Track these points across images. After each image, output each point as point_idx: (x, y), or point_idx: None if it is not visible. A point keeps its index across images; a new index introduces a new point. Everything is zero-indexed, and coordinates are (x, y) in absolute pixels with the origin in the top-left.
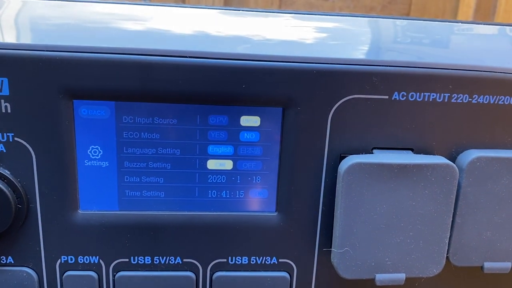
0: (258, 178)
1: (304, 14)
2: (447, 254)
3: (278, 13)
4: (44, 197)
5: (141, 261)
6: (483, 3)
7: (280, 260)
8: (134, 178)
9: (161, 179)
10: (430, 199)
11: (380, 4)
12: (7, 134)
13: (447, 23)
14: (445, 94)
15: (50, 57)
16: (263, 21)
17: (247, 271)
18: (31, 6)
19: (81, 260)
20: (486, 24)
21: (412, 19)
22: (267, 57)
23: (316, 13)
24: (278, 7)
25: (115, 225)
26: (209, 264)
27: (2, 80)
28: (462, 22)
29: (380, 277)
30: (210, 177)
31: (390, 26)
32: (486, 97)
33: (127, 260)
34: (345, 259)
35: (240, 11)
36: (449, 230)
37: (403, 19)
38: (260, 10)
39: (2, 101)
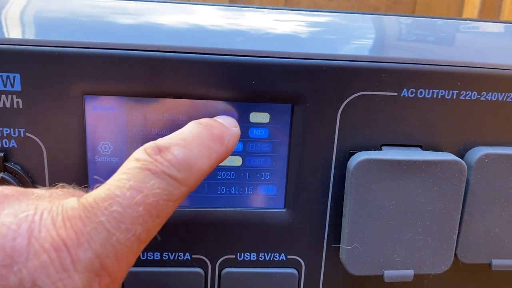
0: (267, 174)
1: (312, 11)
2: (455, 251)
3: (286, 10)
4: None
5: (150, 257)
6: (488, 3)
7: (288, 257)
8: None
9: None
10: (438, 196)
11: (385, 4)
12: (19, 129)
13: (454, 20)
14: (453, 91)
15: (62, 53)
16: (271, 18)
17: (256, 267)
18: (43, 3)
19: None
20: (492, 22)
21: (419, 17)
22: (276, 53)
23: (324, 10)
24: (283, 7)
25: None
26: (217, 260)
27: (14, 76)
28: (469, 20)
29: (389, 274)
30: (219, 173)
31: (398, 24)
32: (495, 94)
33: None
34: (353, 255)
35: (248, 8)
36: (457, 227)
37: (411, 16)
38: (268, 7)
39: (14, 96)
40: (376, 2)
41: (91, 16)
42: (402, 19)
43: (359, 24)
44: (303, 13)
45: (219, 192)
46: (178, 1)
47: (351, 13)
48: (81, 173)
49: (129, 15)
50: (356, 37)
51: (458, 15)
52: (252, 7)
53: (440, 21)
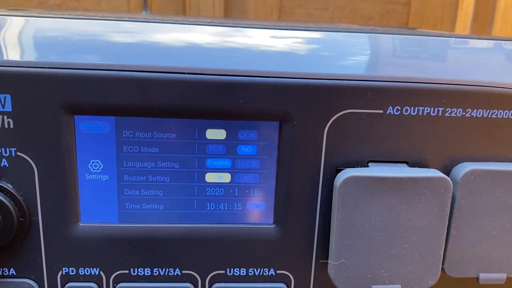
0: (256, 190)
1: (301, 28)
2: (442, 265)
3: (278, 29)
4: (45, 210)
5: (140, 273)
6: (481, 13)
7: (277, 272)
8: (134, 191)
9: (161, 192)
10: (425, 212)
11: (379, 14)
12: (10, 149)
13: (443, 38)
14: (439, 108)
15: (52, 74)
16: (260, 35)
17: (245, 282)
18: (33, 24)
19: (82, 272)
20: (480, 39)
21: (408, 35)
22: (264, 73)
23: (313, 28)
24: (277, 17)
25: (115, 238)
26: (207, 276)
27: (5, 97)
28: (457, 37)
29: None
30: (208, 190)
31: (386, 41)
32: (479, 111)
33: (127, 271)
34: (341, 271)
35: (238, 27)
36: (444, 242)
37: (400, 34)
38: (259, 25)
39: (5, 117)
40: (370, 12)
41: (82, 36)
42: (388, 36)
43: (346, 42)
44: (294, 28)
45: (208, 208)
46: (169, 21)
47: (340, 31)
48: (72, 191)
49: (119, 34)
50: (343, 56)
51: (451, 24)
52: (243, 27)
53: (427, 38)
